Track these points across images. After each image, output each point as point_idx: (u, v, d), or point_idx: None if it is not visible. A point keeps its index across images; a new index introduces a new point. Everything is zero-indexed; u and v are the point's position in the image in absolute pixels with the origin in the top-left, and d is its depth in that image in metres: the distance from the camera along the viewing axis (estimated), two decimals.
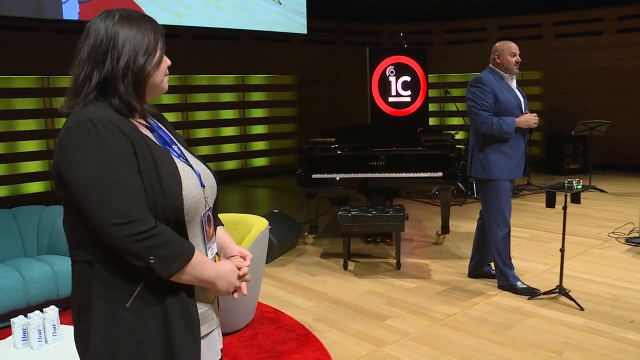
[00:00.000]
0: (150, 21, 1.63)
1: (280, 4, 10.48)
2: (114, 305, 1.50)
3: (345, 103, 12.00)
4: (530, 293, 4.49)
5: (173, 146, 1.67)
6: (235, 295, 1.69)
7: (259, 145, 11.69)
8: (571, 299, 4.29)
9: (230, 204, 9.36)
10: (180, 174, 1.56)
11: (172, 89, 10.42)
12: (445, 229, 6.12)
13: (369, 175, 5.74)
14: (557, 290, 4.42)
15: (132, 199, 1.45)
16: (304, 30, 10.88)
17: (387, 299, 4.54)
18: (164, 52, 1.64)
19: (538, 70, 11.73)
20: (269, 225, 5.58)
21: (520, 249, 5.75)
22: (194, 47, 10.38)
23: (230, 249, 1.79)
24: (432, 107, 12.19)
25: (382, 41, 12.99)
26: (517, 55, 4.52)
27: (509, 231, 4.60)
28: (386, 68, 10.39)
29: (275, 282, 5.04)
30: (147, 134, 1.60)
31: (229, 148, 11.27)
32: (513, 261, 4.69)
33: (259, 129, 11.65)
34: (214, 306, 1.74)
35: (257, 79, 11.50)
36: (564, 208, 4.38)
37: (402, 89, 10.47)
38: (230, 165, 11.33)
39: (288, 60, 11.70)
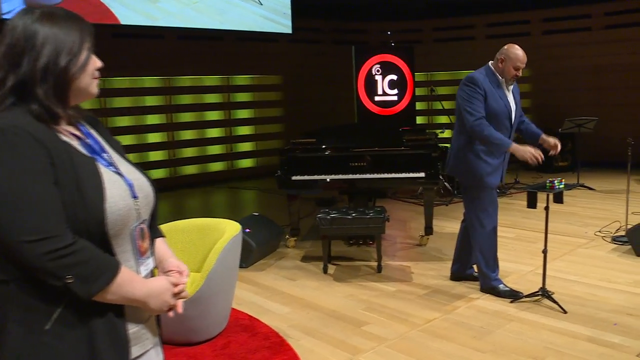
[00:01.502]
0: (77, 19, 1.51)
1: (262, 4, 10.36)
2: (31, 328, 1.38)
3: (332, 103, 11.87)
4: (513, 296, 4.37)
5: (102, 154, 1.54)
6: (171, 313, 1.57)
7: (245, 147, 11.54)
8: (554, 301, 4.19)
9: (216, 207, 9.25)
10: (106, 185, 1.44)
11: (155, 91, 10.31)
12: (428, 230, 6.00)
13: (350, 176, 5.62)
14: (540, 293, 4.31)
15: (46, 214, 1.33)
16: (287, 30, 10.78)
17: (366, 303, 4.42)
18: (91, 53, 1.52)
19: (526, 68, 11.58)
20: (248, 229, 5.49)
21: (506, 249, 5.64)
22: (178, 48, 10.23)
23: (168, 263, 1.67)
24: (420, 105, 12.09)
25: (369, 40, 12.87)
26: (520, 70, 4.29)
27: (494, 231, 4.48)
28: (372, 67, 10.28)
29: (252, 287, 4.92)
30: (70, 142, 1.47)
31: (215, 150, 11.12)
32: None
33: (244, 130, 11.50)
34: (149, 325, 1.61)
35: (242, 79, 11.35)
36: (546, 208, 4.28)
37: (389, 88, 10.37)
38: (216, 167, 11.19)
39: (274, 60, 11.56)
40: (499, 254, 4.58)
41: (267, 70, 11.56)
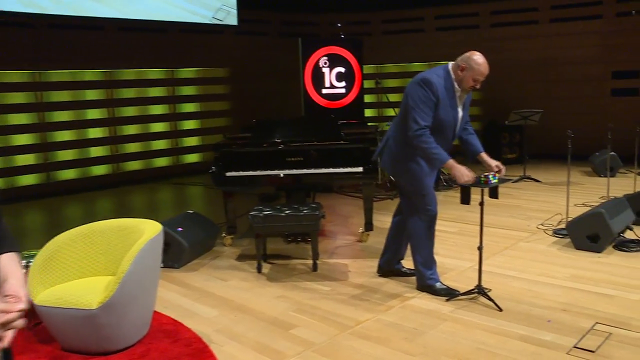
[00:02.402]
0: None
1: None
2: None
3: (279, 96, 11.64)
4: (449, 294, 4.25)
5: None
6: None
7: (191, 141, 11.22)
8: (490, 299, 4.08)
9: (159, 204, 8.95)
10: None
11: (96, 84, 9.92)
12: (368, 225, 5.86)
13: (286, 171, 5.43)
14: (476, 291, 4.20)
15: None
16: (205, 20, 10.50)
17: (297, 305, 4.23)
18: None
19: None
20: (180, 228, 5.26)
21: (447, 244, 5.53)
22: (119, 40, 9.87)
23: (8, 285, 1.44)
24: (368, 98, 11.95)
25: (318, 32, 12.69)
26: (479, 83, 4.03)
27: (433, 230, 4.35)
28: (319, 59, 10.08)
29: (181, 288, 4.68)
30: None
31: (159, 145, 10.78)
32: (437, 258, 4.45)
33: (190, 124, 11.18)
34: None
35: (187, 72, 11.04)
36: (481, 204, 4.17)
37: (337, 81, 10.18)
38: (161, 162, 10.85)
39: (220, 53, 11.29)
40: (441, 250, 4.48)
41: (212, 63, 11.28)
